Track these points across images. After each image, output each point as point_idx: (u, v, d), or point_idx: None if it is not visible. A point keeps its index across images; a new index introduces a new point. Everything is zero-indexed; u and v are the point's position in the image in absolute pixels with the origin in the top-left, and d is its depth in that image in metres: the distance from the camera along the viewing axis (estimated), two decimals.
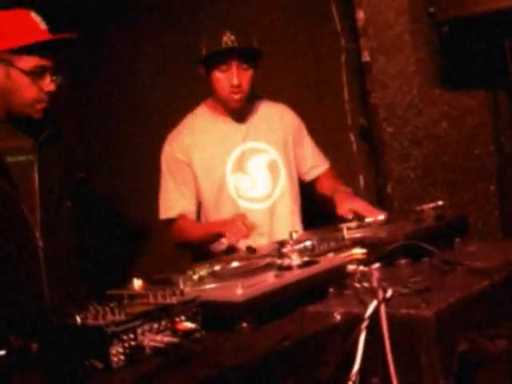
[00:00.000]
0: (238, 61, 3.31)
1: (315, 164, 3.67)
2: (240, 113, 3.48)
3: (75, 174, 3.45)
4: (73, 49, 2.95)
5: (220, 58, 3.29)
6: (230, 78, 3.30)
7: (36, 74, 2.81)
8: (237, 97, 3.36)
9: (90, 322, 1.65)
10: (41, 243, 2.87)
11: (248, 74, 3.34)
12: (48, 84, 2.85)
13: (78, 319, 1.65)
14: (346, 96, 4.29)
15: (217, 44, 3.25)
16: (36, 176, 2.90)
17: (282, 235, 2.82)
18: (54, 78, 2.87)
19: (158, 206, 3.51)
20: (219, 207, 3.42)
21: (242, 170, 3.45)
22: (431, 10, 3.60)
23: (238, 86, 3.32)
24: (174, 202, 3.45)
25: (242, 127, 3.50)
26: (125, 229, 5.01)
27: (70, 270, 3.02)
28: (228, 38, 3.25)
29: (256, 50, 3.38)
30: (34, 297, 2.84)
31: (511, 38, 3.56)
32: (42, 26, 2.85)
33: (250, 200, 3.44)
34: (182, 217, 3.44)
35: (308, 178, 3.66)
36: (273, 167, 3.50)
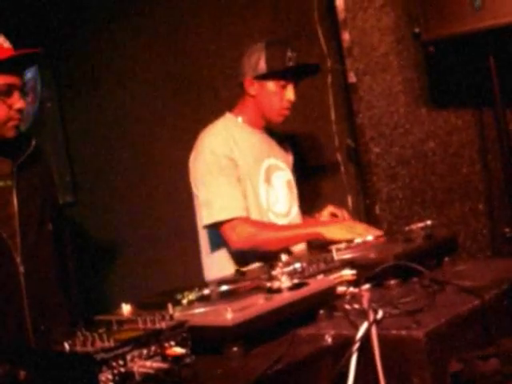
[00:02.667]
0: (297, 78, 3.38)
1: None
2: (266, 130, 3.49)
3: (56, 196, 3.40)
4: (37, 63, 2.94)
5: (283, 74, 3.31)
6: (288, 94, 3.33)
7: (4, 93, 2.79)
8: (287, 113, 3.40)
9: (79, 348, 1.63)
10: (22, 269, 2.84)
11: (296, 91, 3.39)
12: (17, 101, 2.82)
13: (67, 346, 1.63)
14: (333, 117, 4.30)
15: (282, 60, 3.28)
16: (15, 201, 2.88)
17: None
18: (23, 94, 2.85)
19: (207, 210, 3.23)
20: (252, 216, 3.30)
21: (269, 183, 3.42)
22: (416, 30, 3.63)
23: (292, 102, 3.36)
24: (236, 200, 3.23)
25: (266, 142, 3.51)
26: (113, 252, 5.00)
27: (53, 296, 2.98)
28: (292, 55, 3.29)
29: (318, 68, 3.51)
30: (15, 324, 2.80)
31: (496, 56, 3.58)
32: (6, 44, 2.83)
33: (275, 214, 3.40)
34: (248, 217, 3.26)
35: None
36: (290, 186, 3.52)
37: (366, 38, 4.02)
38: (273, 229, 3.29)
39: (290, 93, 3.34)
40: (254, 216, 3.31)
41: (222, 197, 3.22)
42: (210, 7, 4.66)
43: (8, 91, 2.80)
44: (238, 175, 3.30)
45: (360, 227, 3.17)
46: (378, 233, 3.04)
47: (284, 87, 3.33)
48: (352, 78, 4.04)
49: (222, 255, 3.33)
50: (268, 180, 3.41)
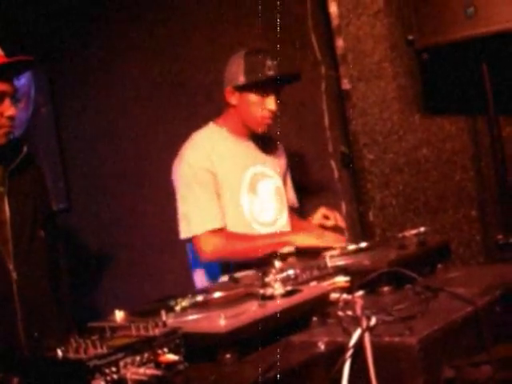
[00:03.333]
0: (278, 87, 3.32)
1: (292, 202, 3.67)
2: (253, 136, 3.45)
3: (49, 203, 3.39)
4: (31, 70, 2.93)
5: (263, 84, 3.27)
6: (269, 104, 3.28)
7: None
8: (270, 122, 3.34)
9: (72, 355, 1.63)
10: (14, 275, 2.83)
11: (279, 100, 3.34)
12: (8, 108, 2.81)
13: (59, 352, 1.63)
14: (327, 123, 4.31)
15: (260, 70, 3.24)
16: (7, 207, 2.87)
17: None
18: (14, 101, 2.84)
19: (184, 223, 3.26)
20: (235, 229, 3.32)
21: (254, 192, 3.40)
22: (410, 37, 3.64)
23: (274, 112, 3.31)
24: (213, 213, 3.25)
25: (252, 150, 3.47)
26: (107, 259, 4.99)
27: (46, 303, 2.97)
28: (271, 64, 3.24)
29: (299, 75, 3.41)
30: (7, 331, 2.79)
31: (488, 63, 3.59)
32: None
33: (261, 224, 3.39)
34: (223, 228, 3.28)
35: None
36: (279, 194, 3.50)
37: (359, 44, 4.03)
38: (242, 239, 3.28)
39: (270, 102, 3.29)
40: (237, 227, 3.31)
41: (197, 210, 3.25)
42: (205, 14, 4.67)
43: None
44: (217, 188, 3.30)
45: (329, 235, 3.20)
46: (343, 243, 3.06)
47: (264, 97, 3.29)
48: (346, 85, 4.05)
49: (209, 265, 3.34)
50: (253, 189, 3.40)
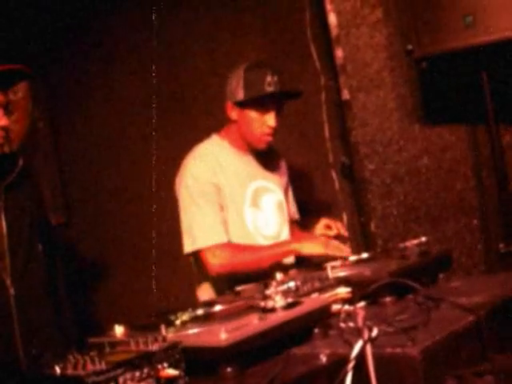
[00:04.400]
0: (278, 103, 3.27)
1: (292, 215, 3.65)
2: (255, 151, 3.42)
3: (46, 217, 3.39)
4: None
5: (262, 100, 3.23)
6: (269, 120, 3.24)
7: None
8: (269, 139, 3.30)
9: (70, 371, 1.62)
10: (12, 290, 2.81)
11: (279, 116, 3.30)
12: (0, 119, 2.81)
13: (57, 369, 1.62)
14: (327, 134, 4.30)
15: (260, 86, 3.19)
16: (3, 221, 2.85)
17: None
18: (6, 112, 2.83)
19: (188, 237, 3.23)
20: (238, 241, 3.29)
21: (257, 206, 3.38)
22: (409, 46, 3.64)
23: (274, 128, 3.27)
24: (217, 226, 3.21)
25: (254, 164, 3.43)
26: (105, 273, 4.98)
27: (44, 318, 2.95)
28: (271, 79, 3.18)
29: (300, 93, 3.38)
30: (5, 347, 2.77)
31: (488, 71, 3.59)
32: None
33: (265, 237, 3.36)
34: (228, 241, 3.24)
35: None
36: (281, 208, 3.48)
37: (359, 54, 4.03)
38: (249, 250, 3.26)
39: (270, 119, 3.25)
40: (242, 240, 3.29)
41: (202, 224, 3.22)
42: (203, 26, 4.67)
43: None
44: (221, 201, 3.27)
45: (334, 243, 3.17)
46: (348, 252, 3.05)
47: (264, 113, 3.25)
48: (346, 95, 4.04)
49: (214, 279, 3.32)
50: (256, 203, 3.38)
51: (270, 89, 3.20)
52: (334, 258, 2.93)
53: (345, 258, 2.93)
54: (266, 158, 3.50)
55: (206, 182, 3.26)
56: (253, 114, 3.26)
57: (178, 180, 3.35)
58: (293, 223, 3.64)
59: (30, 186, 3.08)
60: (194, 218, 3.23)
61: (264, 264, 3.15)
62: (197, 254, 3.26)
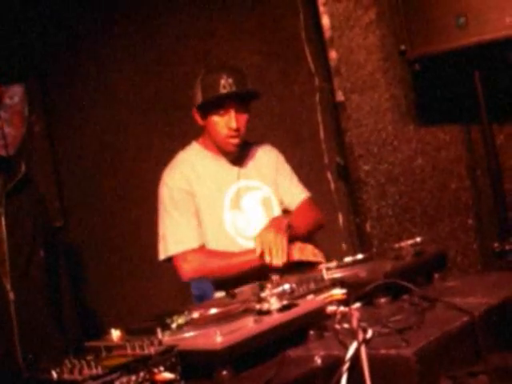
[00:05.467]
0: (237, 104, 3.26)
1: (291, 199, 3.58)
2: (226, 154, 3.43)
3: (49, 223, 3.38)
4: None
5: (219, 102, 3.24)
6: (229, 122, 3.24)
7: None
8: (235, 141, 3.30)
9: (66, 376, 1.63)
10: (12, 296, 2.82)
11: (245, 117, 3.29)
12: None
13: (54, 374, 1.63)
14: (322, 135, 4.32)
15: (214, 88, 3.20)
16: (3, 227, 2.86)
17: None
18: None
19: (162, 244, 3.28)
20: (219, 245, 3.30)
21: (238, 207, 3.37)
22: (402, 47, 3.66)
23: (237, 129, 3.26)
24: (189, 233, 3.25)
25: (234, 166, 3.42)
26: (102, 277, 4.98)
27: (44, 323, 2.95)
28: (226, 82, 3.19)
29: (254, 93, 3.36)
30: (4, 352, 2.78)
31: (481, 71, 3.60)
32: None
33: (246, 238, 3.35)
34: (201, 247, 3.26)
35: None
36: (267, 204, 3.46)
37: (352, 56, 4.04)
38: (223, 256, 3.27)
39: (231, 121, 3.24)
40: (221, 243, 3.30)
41: (174, 231, 3.26)
42: (198, 29, 4.67)
43: None
44: (195, 208, 3.30)
45: (308, 248, 3.21)
46: (321, 258, 3.10)
47: (224, 115, 3.25)
48: (340, 97, 4.06)
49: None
50: (236, 205, 3.37)
51: (224, 90, 3.21)
52: (310, 263, 2.97)
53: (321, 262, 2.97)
54: (246, 155, 3.48)
55: (178, 190, 3.30)
56: (214, 118, 3.27)
57: (158, 190, 3.40)
58: (299, 210, 3.56)
59: (33, 192, 3.09)
60: (166, 226, 3.30)
61: (239, 269, 3.16)
62: (169, 261, 3.30)
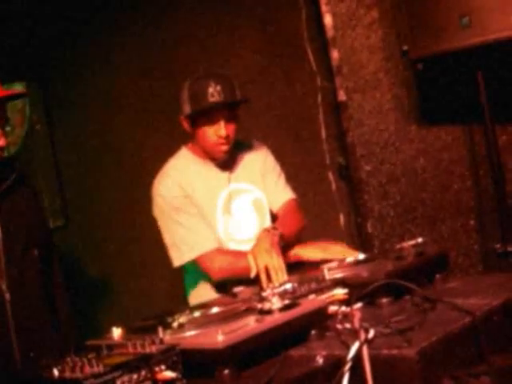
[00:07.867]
0: (226, 113, 3.24)
1: (273, 199, 3.53)
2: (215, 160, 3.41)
3: (45, 222, 3.37)
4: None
5: (208, 110, 3.21)
6: (218, 130, 3.22)
7: None
8: (224, 148, 3.28)
9: (68, 374, 1.62)
10: (7, 296, 2.80)
11: (233, 124, 3.28)
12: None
13: (55, 372, 1.62)
14: (324, 135, 4.31)
15: (203, 97, 3.18)
16: None
17: None
18: (4, 132, 2.83)
19: (174, 251, 3.24)
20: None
21: (228, 212, 3.36)
22: (404, 47, 3.65)
23: (226, 137, 3.24)
24: (204, 234, 3.23)
25: (223, 170, 3.41)
26: (103, 276, 4.98)
27: (41, 323, 2.94)
28: (214, 90, 3.17)
29: (243, 101, 3.34)
30: (2, 352, 2.77)
31: (484, 71, 3.60)
32: None
33: (238, 242, 3.35)
34: (219, 246, 3.26)
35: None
36: (258, 206, 3.45)
37: (354, 56, 4.03)
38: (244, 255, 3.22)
39: (220, 129, 3.23)
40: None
41: (186, 236, 3.23)
42: (200, 27, 4.67)
43: None
44: (196, 209, 3.29)
45: (335, 248, 3.21)
46: (355, 254, 3.05)
47: (213, 123, 3.23)
48: (342, 96, 4.05)
49: (205, 283, 3.32)
50: (227, 210, 3.36)
51: (212, 99, 3.19)
52: (310, 264, 2.98)
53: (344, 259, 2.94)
54: (235, 158, 3.46)
55: (175, 197, 3.28)
56: (203, 126, 3.25)
57: (152, 201, 3.37)
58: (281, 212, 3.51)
59: (27, 191, 3.07)
60: (177, 233, 3.26)
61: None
62: (186, 266, 3.29)
